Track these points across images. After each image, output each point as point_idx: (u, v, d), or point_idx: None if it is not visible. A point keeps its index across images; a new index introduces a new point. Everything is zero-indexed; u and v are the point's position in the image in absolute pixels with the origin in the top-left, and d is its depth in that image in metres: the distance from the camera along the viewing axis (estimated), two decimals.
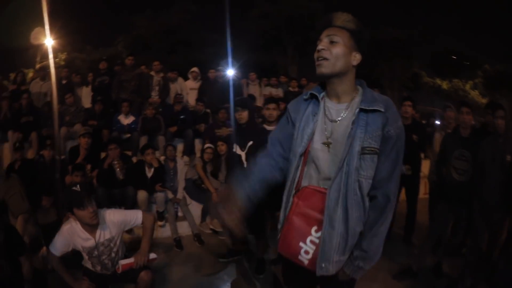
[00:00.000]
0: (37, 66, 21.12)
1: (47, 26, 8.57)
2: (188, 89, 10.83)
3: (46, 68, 11.20)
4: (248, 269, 5.44)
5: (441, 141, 5.39)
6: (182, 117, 9.06)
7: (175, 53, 29.71)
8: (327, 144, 2.18)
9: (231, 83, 9.95)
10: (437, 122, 10.65)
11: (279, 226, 2.32)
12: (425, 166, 7.03)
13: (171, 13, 30.28)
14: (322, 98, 2.28)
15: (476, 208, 4.58)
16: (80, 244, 3.77)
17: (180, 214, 7.07)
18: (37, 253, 5.25)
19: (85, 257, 3.89)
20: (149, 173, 6.79)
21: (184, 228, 6.93)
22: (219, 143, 6.89)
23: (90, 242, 3.74)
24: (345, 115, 2.18)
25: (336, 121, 2.19)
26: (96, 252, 3.81)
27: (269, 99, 6.12)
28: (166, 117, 9.07)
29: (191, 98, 10.56)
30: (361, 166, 2.08)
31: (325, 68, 2.13)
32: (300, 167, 2.26)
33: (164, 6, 30.95)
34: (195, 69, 11.15)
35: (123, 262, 3.78)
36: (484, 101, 32.19)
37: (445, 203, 4.95)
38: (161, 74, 10.12)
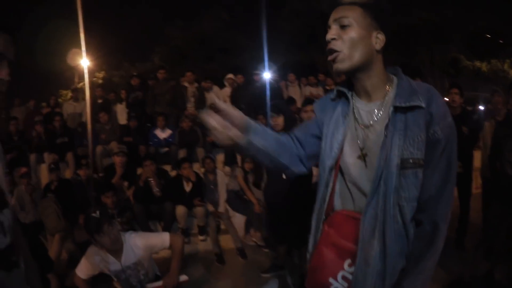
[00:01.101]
0: (73, 87, 21.85)
1: (83, 47, 8.82)
2: (226, 96, 10.83)
3: (78, 90, 11.54)
4: (291, 285, 5.34)
5: (492, 132, 5.07)
6: None
7: (212, 61, 30.16)
8: (362, 157, 1.79)
9: (267, 86, 9.88)
10: (481, 108, 10.29)
11: (308, 256, 2.00)
12: (476, 158, 6.48)
13: (203, 22, 30.78)
14: (351, 97, 1.89)
15: None
16: (106, 268, 3.83)
17: (223, 227, 7.05)
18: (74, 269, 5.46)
19: (114, 279, 3.96)
20: (187, 187, 6.80)
21: (226, 241, 6.89)
22: None
23: (117, 266, 3.79)
24: (378, 117, 1.78)
25: (368, 126, 1.79)
26: (123, 276, 3.85)
27: (307, 101, 5.95)
28: (204, 127, 9.04)
29: None
30: (401, 185, 1.67)
31: (341, 63, 1.73)
32: (330, 185, 1.89)
33: (195, 16, 31.49)
34: (230, 75, 11.21)
35: (151, 285, 3.84)
36: None
37: (500, 202, 4.53)
38: (196, 85, 10.22)
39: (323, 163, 1.92)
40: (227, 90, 10.98)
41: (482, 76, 32.53)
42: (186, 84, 10.11)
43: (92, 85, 30.35)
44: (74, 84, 31.91)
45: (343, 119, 1.87)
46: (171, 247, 3.95)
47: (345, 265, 1.78)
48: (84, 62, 10.24)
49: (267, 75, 10.78)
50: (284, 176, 4.95)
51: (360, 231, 1.72)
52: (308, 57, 30.88)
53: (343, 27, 1.72)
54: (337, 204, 1.88)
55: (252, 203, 6.71)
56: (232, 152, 8.57)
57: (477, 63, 32.80)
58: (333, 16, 1.76)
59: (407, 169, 1.66)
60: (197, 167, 7.84)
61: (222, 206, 6.98)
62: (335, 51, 1.72)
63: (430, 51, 31.27)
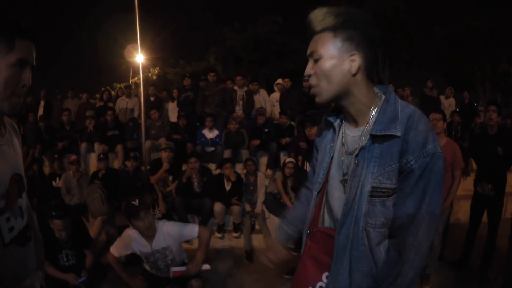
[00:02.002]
0: (125, 84, 22.69)
1: (139, 43, 9.40)
2: (274, 101, 11.40)
3: (131, 86, 12.25)
4: None
5: None
6: (266, 130, 9.51)
7: (266, 64, 30.56)
8: (344, 182, 1.88)
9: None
10: None
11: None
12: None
13: (259, 26, 31.20)
14: (340, 125, 1.97)
15: None
16: (138, 249, 4.39)
17: (257, 227, 7.53)
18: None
19: (144, 260, 4.52)
20: (228, 186, 7.30)
21: (259, 241, 7.35)
22: (300, 157, 7.17)
23: (147, 249, 4.34)
24: (360, 144, 1.82)
25: (351, 153, 1.85)
26: (152, 258, 4.40)
27: None
28: (250, 130, 9.68)
29: (277, 110, 11.08)
30: (369, 212, 1.76)
31: (319, 97, 1.81)
32: (316, 205, 2.06)
33: (251, 19, 32.00)
34: (279, 81, 11.77)
35: (175, 269, 4.32)
36: None
37: None
38: (245, 89, 10.75)
39: (312, 187, 2.12)
40: (276, 95, 11.46)
41: None
42: (236, 87, 10.66)
43: (147, 80, 31.35)
44: (129, 78, 33.04)
45: (330, 148, 1.99)
46: (199, 237, 4.44)
47: (323, 277, 1.95)
48: (140, 58, 10.88)
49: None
50: None
51: (335, 247, 1.86)
52: None
53: (316, 61, 1.77)
54: (326, 222, 2.02)
55: (288, 207, 7.08)
56: (275, 156, 9.01)
57: None
58: (308, 50, 1.82)
59: (376, 197, 1.74)
60: (240, 168, 8.33)
61: (259, 207, 7.40)
62: (313, 86, 1.80)
63: (482, 64, 30.41)
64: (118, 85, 33.73)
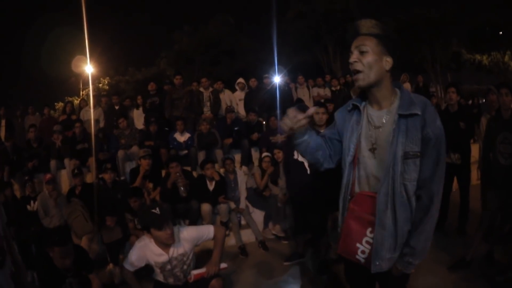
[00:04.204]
0: (82, 93, 22.15)
1: (87, 54, 9.30)
2: (237, 100, 11.47)
3: (94, 97, 11.93)
4: (312, 270, 5.81)
5: (485, 126, 5.44)
6: (236, 128, 9.60)
7: (218, 64, 30.67)
8: (372, 150, 2.44)
9: (277, 89, 10.59)
10: (484, 101, 10.59)
11: (338, 230, 2.67)
12: (476, 151, 7.15)
13: (209, 27, 31.30)
14: (364, 107, 2.52)
15: None
16: (153, 260, 4.20)
17: (243, 222, 7.63)
18: (103, 269, 6.03)
19: (157, 271, 4.30)
20: (211, 186, 7.34)
21: (248, 236, 7.46)
22: (276, 150, 7.37)
23: (164, 258, 4.17)
24: (386, 121, 2.41)
25: (379, 128, 2.42)
26: (169, 266, 4.22)
27: (318, 104, 6.52)
28: (221, 130, 9.66)
29: (241, 109, 11.16)
30: (405, 170, 2.32)
31: (361, 81, 2.35)
32: (351, 174, 2.54)
33: (201, 22, 32.05)
34: (241, 80, 11.84)
35: (195, 272, 4.24)
36: None
37: (494, 189, 4.97)
38: (211, 89, 10.85)
39: (345, 160, 2.59)
40: (238, 94, 11.58)
41: (484, 69, 33.12)
42: (201, 89, 10.74)
43: (99, 90, 30.97)
44: (79, 90, 32.48)
45: (356, 126, 2.52)
46: (214, 237, 4.38)
47: (367, 232, 2.44)
48: (89, 68, 10.73)
49: (277, 79, 11.33)
50: (308, 171, 5.51)
51: (377, 204, 2.37)
52: (312, 57, 31.71)
53: (361, 52, 2.34)
54: (357, 188, 2.52)
55: (271, 199, 7.33)
56: (248, 153, 9.11)
57: (478, 57, 33.36)
58: (354, 43, 2.39)
59: (408, 159, 2.30)
60: (216, 167, 8.32)
61: (243, 203, 7.55)
62: (358, 71, 2.35)
63: (432, 48, 31.80)
64: (70, 99, 33.10)
